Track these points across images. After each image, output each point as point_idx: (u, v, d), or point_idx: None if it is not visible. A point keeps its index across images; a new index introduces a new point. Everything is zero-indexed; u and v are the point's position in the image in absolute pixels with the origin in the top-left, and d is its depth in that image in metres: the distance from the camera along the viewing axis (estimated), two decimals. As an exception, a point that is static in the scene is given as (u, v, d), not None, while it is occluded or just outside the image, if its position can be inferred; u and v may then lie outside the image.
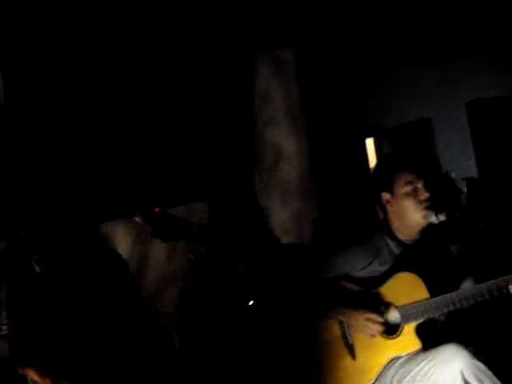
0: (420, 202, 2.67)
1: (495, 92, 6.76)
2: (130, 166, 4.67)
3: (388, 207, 2.75)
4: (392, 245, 2.73)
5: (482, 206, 5.48)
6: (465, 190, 5.98)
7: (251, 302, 3.78)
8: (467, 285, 2.71)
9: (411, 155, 2.84)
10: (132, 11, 4.64)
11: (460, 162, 6.51)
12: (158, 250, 4.73)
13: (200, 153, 4.94)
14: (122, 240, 4.68)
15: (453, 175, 5.88)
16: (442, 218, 2.62)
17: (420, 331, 2.60)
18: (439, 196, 2.80)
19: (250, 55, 5.11)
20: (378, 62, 6.45)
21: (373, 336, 2.59)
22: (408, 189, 2.70)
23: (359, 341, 2.62)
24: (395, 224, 2.74)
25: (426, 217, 2.66)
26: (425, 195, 2.68)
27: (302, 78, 5.30)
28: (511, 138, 6.73)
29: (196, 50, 4.98)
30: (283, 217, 5.12)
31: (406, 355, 2.58)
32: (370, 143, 6.83)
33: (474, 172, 6.58)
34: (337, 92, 6.04)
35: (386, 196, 2.75)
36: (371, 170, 5.31)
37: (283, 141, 5.19)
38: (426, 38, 6.61)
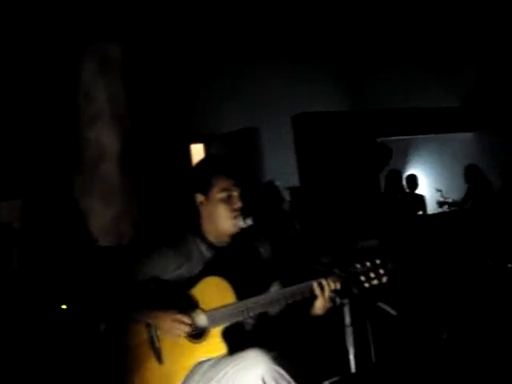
0: (232, 211, 2.69)
1: (320, 107, 7.14)
2: None
3: (201, 209, 2.75)
4: (203, 248, 2.73)
5: (302, 213, 5.73)
6: (288, 198, 6.24)
7: (64, 306, 3.69)
8: (275, 288, 2.77)
9: (232, 161, 2.85)
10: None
11: (284, 172, 6.77)
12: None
13: (14, 149, 4.67)
14: None
15: (277, 184, 6.10)
16: (250, 222, 2.67)
17: (228, 335, 2.61)
18: (253, 202, 2.84)
19: (74, 48, 4.89)
20: (209, 70, 6.53)
21: (179, 336, 2.56)
22: (223, 195, 2.71)
23: (166, 344, 2.59)
24: (207, 227, 2.74)
25: (235, 225, 2.69)
26: (238, 204, 2.71)
27: (128, 77, 5.19)
28: (332, 150, 7.13)
29: (14, 41, 4.70)
30: (104, 218, 4.98)
31: (212, 359, 2.58)
32: (198, 148, 6.89)
33: (296, 181, 6.88)
34: (164, 95, 6.01)
35: (200, 198, 2.74)
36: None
37: (106, 140, 5.05)
38: (260, 50, 6.81)
